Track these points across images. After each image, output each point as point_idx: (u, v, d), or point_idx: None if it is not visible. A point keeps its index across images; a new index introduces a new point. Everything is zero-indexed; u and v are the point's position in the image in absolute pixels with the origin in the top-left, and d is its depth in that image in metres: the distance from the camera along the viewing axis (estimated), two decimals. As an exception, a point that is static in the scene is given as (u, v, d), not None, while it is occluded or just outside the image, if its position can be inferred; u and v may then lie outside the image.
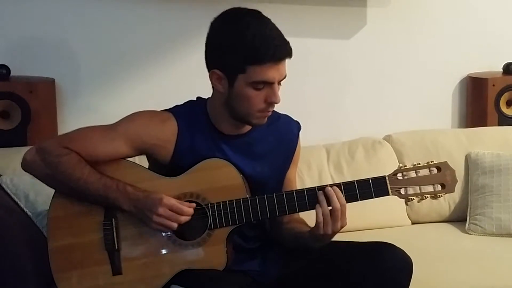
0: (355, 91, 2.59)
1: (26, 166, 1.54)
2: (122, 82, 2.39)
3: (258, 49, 1.44)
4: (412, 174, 1.50)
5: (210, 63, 1.52)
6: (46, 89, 2.23)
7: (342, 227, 1.49)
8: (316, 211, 1.48)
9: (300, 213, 1.67)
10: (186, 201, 1.51)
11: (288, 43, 1.49)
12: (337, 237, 1.72)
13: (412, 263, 1.53)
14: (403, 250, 1.55)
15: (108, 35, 2.35)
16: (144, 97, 2.36)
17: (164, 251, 1.51)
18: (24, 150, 1.99)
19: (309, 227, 1.55)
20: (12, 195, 1.81)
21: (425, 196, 1.50)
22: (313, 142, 2.37)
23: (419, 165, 1.50)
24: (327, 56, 2.55)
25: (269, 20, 1.50)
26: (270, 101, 1.51)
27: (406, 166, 1.51)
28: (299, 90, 2.48)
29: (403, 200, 1.54)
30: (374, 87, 2.60)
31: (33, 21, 2.28)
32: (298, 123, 1.71)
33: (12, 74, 2.20)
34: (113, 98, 2.38)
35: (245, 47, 1.45)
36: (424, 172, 1.50)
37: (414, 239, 2.09)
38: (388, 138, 2.45)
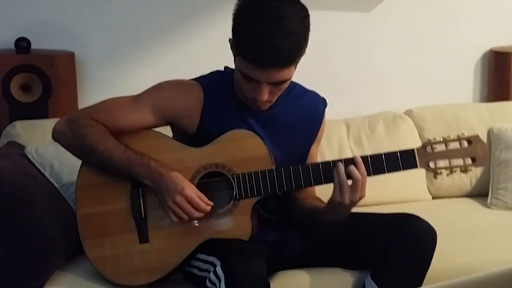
0: (375, 65, 2.56)
1: (56, 136, 1.55)
2: (142, 55, 2.38)
3: (246, 47, 1.40)
4: (442, 147, 1.47)
5: None
6: (66, 62, 2.23)
7: (360, 199, 1.47)
8: (333, 176, 1.46)
9: (319, 192, 1.68)
10: (211, 172, 1.51)
11: (283, 53, 1.38)
12: (358, 211, 1.73)
13: (436, 234, 1.54)
14: (427, 221, 1.56)
15: (129, 8, 2.33)
16: (165, 70, 2.35)
17: (190, 221, 1.51)
18: (46, 122, 2.04)
19: (325, 202, 1.54)
20: (37, 165, 1.82)
21: (455, 170, 1.47)
22: (333, 116, 2.32)
23: (449, 138, 1.48)
24: (347, 29, 2.52)
25: (285, 21, 1.37)
26: (254, 97, 1.47)
27: (435, 139, 1.49)
28: (318, 63, 2.44)
29: (427, 173, 1.53)
30: (395, 61, 2.56)
31: (53, -6, 2.28)
32: (324, 100, 1.69)
33: (32, 47, 2.20)
34: (132, 71, 2.38)
35: (240, 36, 1.42)
36: (454, 145, 1.47)
37: (436, 213, 2.06)
38: (409, 113, 2.43)
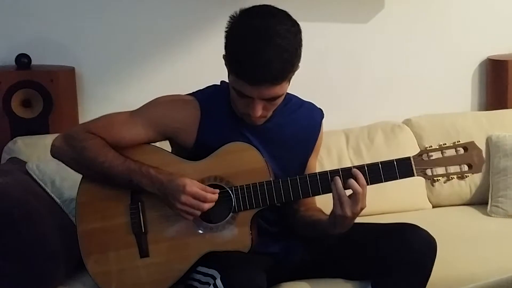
0: (373, 75, 2.57)
1: (54, 152, 1.56)
2: (142, 69, 2.40)
3: (238, 64, 1.42)
4: (438, 154, 1.49)
5: None
6: (66, 77, 2.24)
7: (361, 209, 1.48)
8: (332, 191, 1.47)
9: (318, 202, 1.68)
10: (210, 185, 1.52)
11: (275, 69, 1.38)
12: (357, 221, 1.73)
13: (436, 244, 1.54)
14: (426, 231, 1.56)
15: (128, 23, 2.36)
16: (164, 84, 2.36)
17: (190, 234, 1.52)
18: (47, 137, 2.05)
19: (327, 214, 1.55)
20: (39, 181, 1.83)
21: (452, 177, 1.49)
22: (332, 127, 2.34)
23: (445, 145, 1.49)
24: (345, 41, 2.54)
25: (276, 38, 1.38)
26: (248, 113, 1.49)
27: (431, 146, 1.50)
28: (316, 75, 2.47)
29: (426, 182, 1.55)
30: (393, 70, 2.58)
31: (52, 10, 2.29)
32: (321, 111, 1.70)
33: (33, 63, 2.22)
34: (132, 85, 2.40)
35: (232, 54, 1.44)
36: (450, 152, 1.48)
37: (436, 222, 2.08)
38: (407, 122, 2.44)
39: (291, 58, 1.43)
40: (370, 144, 2.34)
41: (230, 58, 1.44)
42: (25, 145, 2.03)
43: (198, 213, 1.47)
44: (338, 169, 1.50)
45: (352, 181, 1.45)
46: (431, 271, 1.54)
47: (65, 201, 1.81)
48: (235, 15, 1.46)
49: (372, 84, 2.58)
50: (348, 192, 1.48)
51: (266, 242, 1.61)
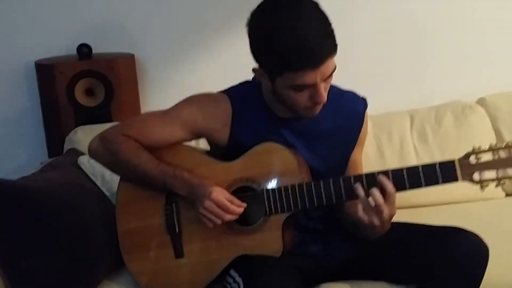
0: (443, 51, 2.38)
1: (91, 154, 1.60)
2: (201, 55, 2.39)
3: (290, 57, 1.32)
4: (488, 156, 1.34)
5: (252, 56, 1.44)
6: (126, 64, 2.28)
7: (391, 217, 1.39)
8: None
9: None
10: (241, 187, 1.49)
11: (328, 40, 1.33)
12: (423, 211, 1.56)
13: (487, 251, 1.41)
14: (478, 236, 1.43)
15: (187, 8, 2.34)
16: (223, 68, 2.34)
17: (222, 236, 1.51)
18: (106, 126, 2.10)
19: None
20: (89, 175, 1.89)
21: (503, 182, 1.34)
22: (396, 107, 2.22)
23: (496, 146, 1.34)
24: (411, 16, 2.35)
25: (310, 12, 1.33)
26: (314, 102, 1.41)
27: (480, 147, 1.36)
28: (381, 52, 2.33)
29: (478, 185, 1.39)
30: (465, 45, 2.37)
31: (111, -1, 2.34)
32: (364, 100, 1.59)
33: (94, 51, 2.27)
34: (192, 71, 2.40)
35: (277, 54, 1.34)
36: (502, 154, 1.33)
37: (506, 214, 1.91)
38: (481, 102, 2.24)
39: (332, 30, 1.37)
40: (438, 127, 2.18)
41: (276, 57, 1.35)
42: (85, 135, 2.09)
43: (219, 221, 1.45)
44: (375, 172, 1.40)
45: (374, 190, 1.36)
46: (481, 279, 1.42)
47: (114, 195, 1.86)
48: (256, 11, 1.40)
49: (442, 60, 2.39)
50: None
51: (306, 241, 1.56)
